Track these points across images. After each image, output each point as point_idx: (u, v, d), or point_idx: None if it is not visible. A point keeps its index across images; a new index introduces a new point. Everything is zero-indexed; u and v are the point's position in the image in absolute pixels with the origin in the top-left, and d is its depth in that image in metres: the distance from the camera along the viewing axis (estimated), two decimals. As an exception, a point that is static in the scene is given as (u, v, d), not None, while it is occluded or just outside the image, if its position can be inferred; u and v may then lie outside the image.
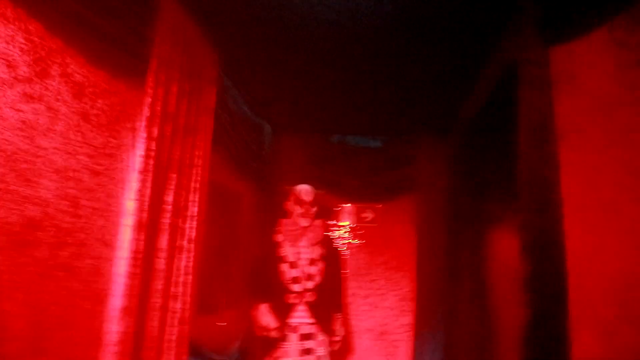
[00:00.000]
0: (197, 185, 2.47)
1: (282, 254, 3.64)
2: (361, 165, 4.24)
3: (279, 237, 3.71)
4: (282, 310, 3.53)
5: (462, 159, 4.08)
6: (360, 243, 4.22)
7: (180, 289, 2.29)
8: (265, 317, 3.47)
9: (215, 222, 3.15)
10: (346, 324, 4.12)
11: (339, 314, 3.78)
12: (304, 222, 3.71)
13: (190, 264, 2.37)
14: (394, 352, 4.07)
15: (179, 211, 2.30)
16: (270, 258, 3.68)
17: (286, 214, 3.88)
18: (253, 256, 3.76)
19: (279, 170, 4.16)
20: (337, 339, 3.70)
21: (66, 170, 1.53)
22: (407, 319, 4.09)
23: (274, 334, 3.39)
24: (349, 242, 4.22)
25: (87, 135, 1.64)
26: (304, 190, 3.78)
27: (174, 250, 2.25)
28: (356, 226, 4.25)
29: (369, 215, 4.24)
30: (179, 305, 2.27)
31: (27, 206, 1.37)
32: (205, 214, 2.55)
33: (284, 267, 3.62)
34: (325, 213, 4.09)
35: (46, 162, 1.44)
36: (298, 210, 3.71)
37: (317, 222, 3.82)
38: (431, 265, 4.01)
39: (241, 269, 3.64)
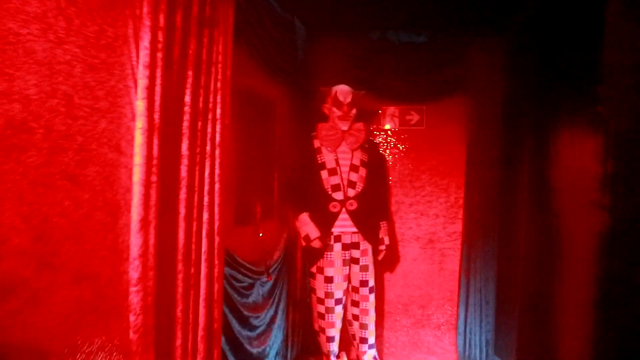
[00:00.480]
0: (219, 85, 2.19)
1: (321, 161, 3.43)
2: (404, 64, 3.82)
3: (317, 143, 3.49)
4: (325, 219, 3.38)
5: (521, 55, 3.58)
6: (405, 148, 3.91)
7: (207, 198, 2.11)
8: (307, 226, 3.34)
9: (246, 127, 2.92)
10: (392, 232, 3.96)
11: (384, 222, 3.60)
12: (342, 126, 3.43)
13: (217, 171, 2.16)
14: (442, 261, 3.89)
15: (200, 113, 2.06)
16: (309, 165, 3.48)
17: (324, 118, 3.61)
18: (290, 164, 3.55)
19: (314, 72, 3.81)
20: (383, 247, 3.56)
21: (50, 62, 1.29)
22: (456, 227, 3.86)
23: (316, 243, 3.28)
24: (393, 147, 3.93)
25: (74, 22, 1.37)
26: (342, 90, 3.46)
27: (196, 156, 2.04)
28: (400, 129, 3.93)
29: (413, 117, 3.89)
30: (206, 215, 2.10)
31: (3, 104, 1.15)
32: (230, 117, 2.29)
33: (324, 174, 3.42)
34: (366, 116, 3.78)
35: (21, 50, 1.20)
36: (336, 112, 3.42)
37: (357, 125, 3.54)
38: (482, 171, 3.68)
39: (279, 177, 3.46)
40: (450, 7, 3.53)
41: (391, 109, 3.93)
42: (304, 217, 3.29)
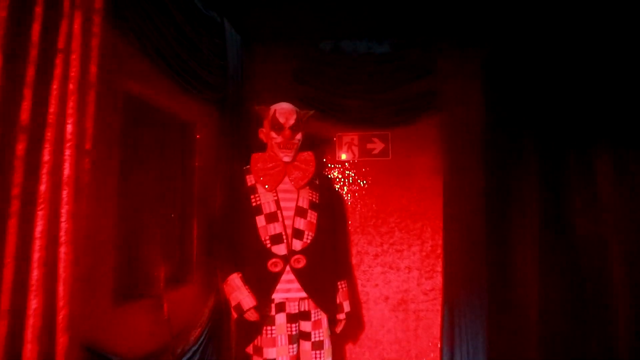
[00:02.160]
0: (74, 87, 1.36)
1: (256, 203, 2.58)
2: (364, 79, 3.08)
3: (251, 179, 2.69)
4: (262, 282, 2.49)
5: (503, 64, 2.92)
6: (367, 183, 3.12)
7: (36, 272, 1.22)
8: (238, 292, 2.44)
9: (141, 156, 2.06)
10: (353, 293, 3.12)
11: (342, 281, 2.75)
12: (284, 156, 2.59)
13: (62, 225, 1.30)
14: (417, 326, 3.06)
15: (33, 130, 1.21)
16: (240, 209, 2.62)
17: (260, 147, 2.80)
18: (216, 207, 2.68)
19: (251, 89, 3.01)
20: (342, 316, 2.69)
21: None
22: (434, 283, 3.05)
23: (251, 315, 2.39)
24: (352, 183, 3.13)
25: None
26: (282, 109, 2.65)
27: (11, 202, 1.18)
28: (360, 161, 3.14)
29: (376, 145, 3.12)
30: (35, 303, 1.22)
31: None
32: (99, 139, 1.44)
33: (260, 221, 2.56)
34: (317, 144, 2.99)
35: None
36: (275, 138, 2.60)
37: (304, 155, 2.72)
38: (464, 208, 2.92)
39: (200, 226, 2.58)
40: (417, 10, 2.85)
41: (349, 136, 3.15)
42: (235, 279, 2.41)
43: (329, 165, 3.14)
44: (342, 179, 3.11)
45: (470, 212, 2.91)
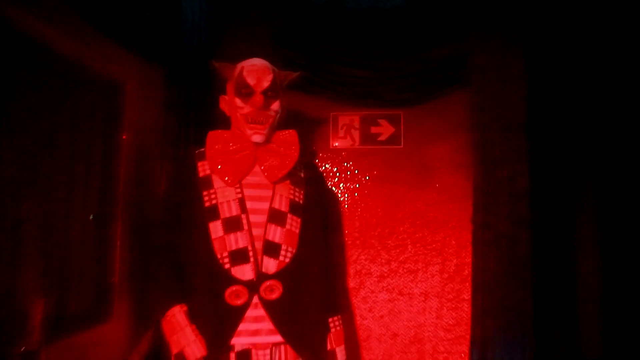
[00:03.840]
0: None
1: (210, 203, 1.80)
2: (369, 42, 2.30)
3: (205, 168, 1.75)
4: (218, 320, 1.67)
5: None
6: (371, 179, 2.34)
7: None
8: (181, 334, 1.66)
9: (34, 130, 1.29)
10: (349, 330, 2.28)
11: (335, 318, 1.94)
12: (254, 135, 1.80)
13: None
14: (436, 374, 2.27)
15: None
16: (187, 212, 1.82)
17: (222, 122, 1.98)
18: (153, 208, 1.89)
19: (218, 52, 2.21)
20: (332, 368, 1.91)
21: None
22: (459, 316, 2.26)
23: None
24: (350, 178, 2.34)
25: None
26: (253, 67, 1.82)
27: None
28: (362, 149, 2.35)
29: (384, 129, 2.34)
30: None
31: None
32: None
33: (215, 229, 1.75)
34: (304, 125, 2.22)
35: None
36: (241, 108, 1.67)
37: (285, 135, 1.92)
38: (500, 216, 2.15)
39: (124, 234, 1.77)
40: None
41: (347, 117, 2.36)
42: (176, 315, 1.62)
43: (319, 154, 2.35)
44: (337, 173, 2.32)
45: (510, 220, 2.14)
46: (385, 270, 2.27)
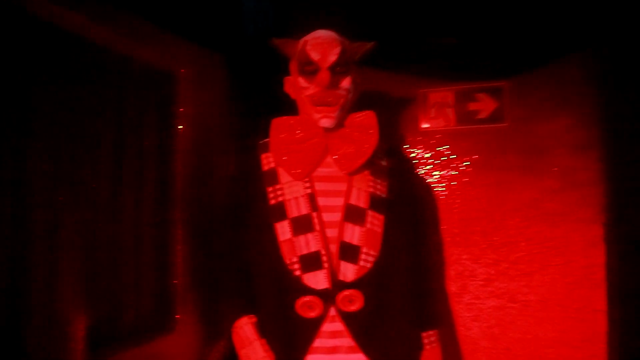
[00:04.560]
0: None
1: (276, 200, 1.41)
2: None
3: (269, 161, 1.47)
4: (289, 335, 1.47)
5: None
6: (470, 166, 1.97)
7: None
8: (250, 350, 1.47)
9: (84, 130, 1.16)
10: (451, 349, 1.93)
11: (430, 332, 1.63)
12: (323, 119, 1.54)
13: None
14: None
15: None
16: (251, 211, 1.62)
17: (286, 108, 1.74)
18: (215, 208, 1.72)
19: (279, 23, 1.99)
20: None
21: None
22: (589, 329, 1.82)
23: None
24: (444, 164, 1.99)
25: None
26: (318, 39, 1.57)
27: None
28: (458, 130, 1.99)
29: (484, 105, 1.96)
30: None
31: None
32: None
33: (282, 230, 1.39)
34: (387, 107, 1.93)
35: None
36: (306, 89, 1.34)
37: (360, 118, 1.64)
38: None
39: (186, 239, 1.61)
40: None
41: (439, 94, 2.02)
42: (244, 327, 1.43)
43: (407, 139, 2.03)
44: (430, 160, 1.99)
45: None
46: (493, 273, 1.90)
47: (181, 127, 1.56)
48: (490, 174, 1.93)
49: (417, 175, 1.95)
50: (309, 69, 1.44)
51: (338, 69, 1.45)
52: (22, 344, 1.07)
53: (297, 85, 1.49)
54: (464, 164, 1.96)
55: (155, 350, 1.44)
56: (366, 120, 1.51)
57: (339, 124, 1.50)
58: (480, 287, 1.91)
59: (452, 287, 1.93)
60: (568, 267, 1.82)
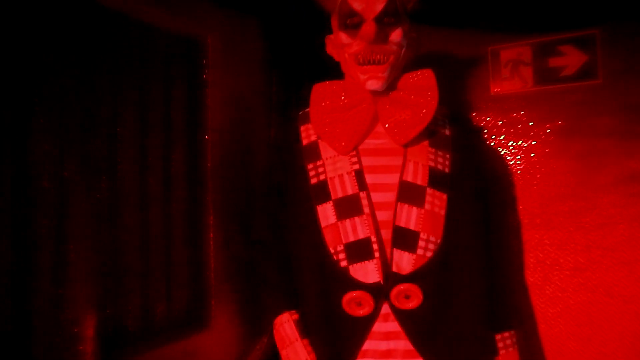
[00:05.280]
0: None
1: (317, 179, 1.33)
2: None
3: (309, 133, 1.26)
4: (335, 335, 1.25)
5: None
6: (552, 134, 1.64)
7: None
8: (291, 350, 1.28)
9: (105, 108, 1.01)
10: (531, 352, 1.63)
11: (507, 333, 1.33)
12: (370, 80, 1.29)
13: None
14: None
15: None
16: (291, 193, 1.40)
17: (327, 70, 1.46)
18: (252, 192, 1.53)
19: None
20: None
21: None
22: None
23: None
24: (520, 135, 1.68)
25: None
26: None
27: None
28: (537, 92, 1.66)
29: (569, 59, 1.62)
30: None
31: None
32: None
33: (325, 214, 1.30)
34: (449, 68, 1.66)
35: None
36: (349, 46, 1.10)
37: (416, 77, 1.36)
38: None
39: (221, 226, 1.43)
40: None
41: (513, 50, 1.70)
42: (285, 324, 1.25)
43: (476, 104, 1.74)
44: (503, 128, 1.69)
45: None
46: (582, 261, 1.58)
47: (211, 99, 1.38)
48: (578, 142, 1.60)
49: (487, 146, 1.66)
50: (352, 22, 1.21)
51: (386, 20, 1.20)
52: (26, 343, 0.95)
53: (339, 43, 1.26)
54: (545, 132, 1.64)
55: (189, 348, 1.28)
56: (423, 81, 1.26)
57: (391, 87, 1.26)
58: (566, 278, 1.60)
59: (531, 278, 1.63)
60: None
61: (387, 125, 1.24)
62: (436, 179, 1.24)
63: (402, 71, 1.28)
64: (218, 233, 1.36)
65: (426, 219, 1.21)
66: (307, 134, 1.31)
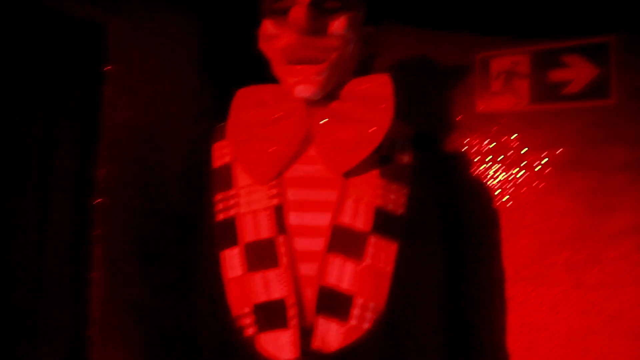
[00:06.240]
0: None
1: (225, 214, 0.72)
2: None
3: (223, 154, 0.80)
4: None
5: None
6: (555, 163, 1.31)
7: None
8: None
9: None
10: None
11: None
12: (299, 87, 0.97)
13: None
14: None
15: None
16: (193, 230, 1.01)
17: (261, 71, 1.06)
18: (155, 222, 1.20)
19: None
20: None
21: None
22: None
23: None
24: (514, 163, 1.34)
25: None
26: None
27: None
28: (535, 111, 1.33)
29: (575, 72, 1.30)
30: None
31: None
32: None
33: (231, 262, 0.90)
34: (429, 71, 1.35)
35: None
36: (276, 38, 0.72)
37: (366, 83, 0.98)
38: None
39: (109, 265, 1.11)
40: None
41: (507, 58, 1.38)
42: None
43: (456, 124, 1.41)
44: (489, 156, 1.36)
45: None
46: (579, 328, 1.25)
47: (111, 95, 1.07)
48: (582, 177, 1.27)
49: (465, 178, 1.33)
50: (281, 6, 0.90)
51: (327, 5, 0.89)
52: None
53: (266, 35, 0.95)
54: (542, 161, 1.32)
55: None
56: (375, 89, 0.94)
57: (332, 95, 0.95)
58: (558, 347, 1.26)
59: (514, 344, 1.30)
60: None
61: (321, 147, 0.93)
62: (384, 223, 0.92)
63: (350, 75, 0.97)
64: (106, 278, 1.05)
65: (365, 277, 0.89)
66: (221, 154, 1.00)
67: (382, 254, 0.91)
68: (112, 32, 1.08)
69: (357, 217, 0.91)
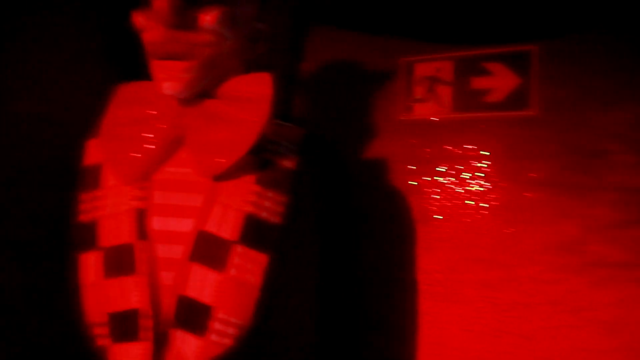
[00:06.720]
0: None
1: (87, 216, 0.68)
2: None
3: (94, 152, 0.76)
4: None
5: None
6: (473, 177, 1.25)
7: None
8: None
9: None
10: None
11: None
12: (166, 84, 0.92)
13: None
14: None
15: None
16: (55, 232, 0.89)
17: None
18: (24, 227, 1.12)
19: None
20: None
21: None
22: None
23: None
24: (431, 181, 1.29)
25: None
26: None
27: None
28: (459, 121, 1.28)
29: (497, 82, 1.24)
30: None
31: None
32: None
33: (88, 267, 0.76)
34: (347, 75, 1.29)
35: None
36: (144, 32, 0.66)
37: (244, 82, 0.92)
38: None
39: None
40: None
41: (430, 65, 1.32)
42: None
43: (376, 130, 1.35)
44: (402, 165, 1.31)
45: None
46: (489, 349, 1.18)
47: None
48: (500, 191, 1.22)
49: (359, 185, 1.27)
50: (151, -4, 0.85)
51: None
52: None
53: (138, 27, 0.90)
54: (462, 173, 1.26)
55: None
56: (253, 88, 0.89)
57: (207, 94, 0.89)
58: (471, 370, 1.20)
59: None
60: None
61: (191, 149, 0.87)
62: (254, 233, 0.86)
63: (228, 73, 0.91)
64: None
65: (227, 289, 0.83)
66: (93, 152, 0.94)
67: (249, 265, 0.85)
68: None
69: (224, 225, 0.85)
